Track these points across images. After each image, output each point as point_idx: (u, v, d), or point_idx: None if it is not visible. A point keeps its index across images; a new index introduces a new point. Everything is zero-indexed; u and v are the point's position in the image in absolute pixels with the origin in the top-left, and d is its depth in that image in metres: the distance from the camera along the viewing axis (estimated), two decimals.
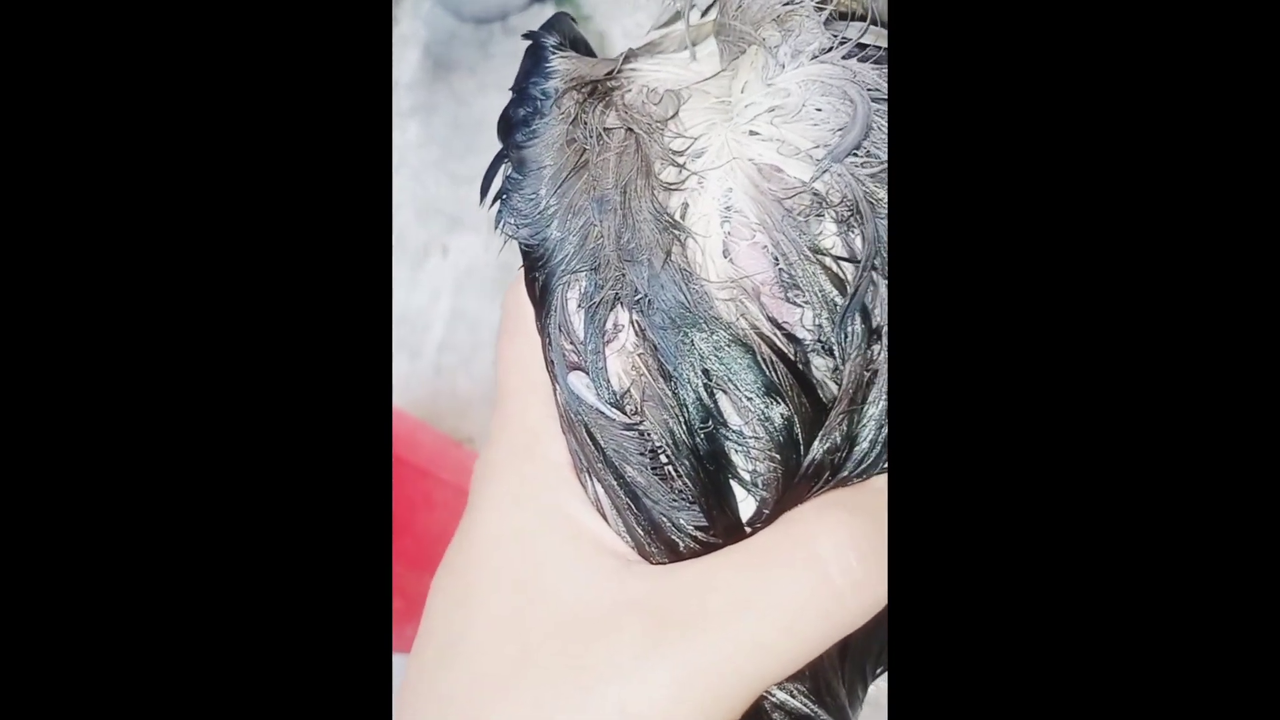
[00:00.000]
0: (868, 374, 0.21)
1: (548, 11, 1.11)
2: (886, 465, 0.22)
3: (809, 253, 0.21)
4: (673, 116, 0.23)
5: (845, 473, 0.22)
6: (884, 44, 0.22)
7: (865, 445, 0.21)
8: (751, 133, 0.22)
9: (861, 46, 0.22)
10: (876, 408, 0.21)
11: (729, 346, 0.21)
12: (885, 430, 0.21)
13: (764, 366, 0.21)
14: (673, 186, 0.22)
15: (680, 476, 0.22)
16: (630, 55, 0.24)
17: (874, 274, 0.21)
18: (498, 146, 0.25)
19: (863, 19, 0.22)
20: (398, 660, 0.24)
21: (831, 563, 0.20)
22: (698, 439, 0.21)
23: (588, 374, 0.22)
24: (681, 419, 0.21)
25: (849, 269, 0.21)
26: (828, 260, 0.21)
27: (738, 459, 0.22)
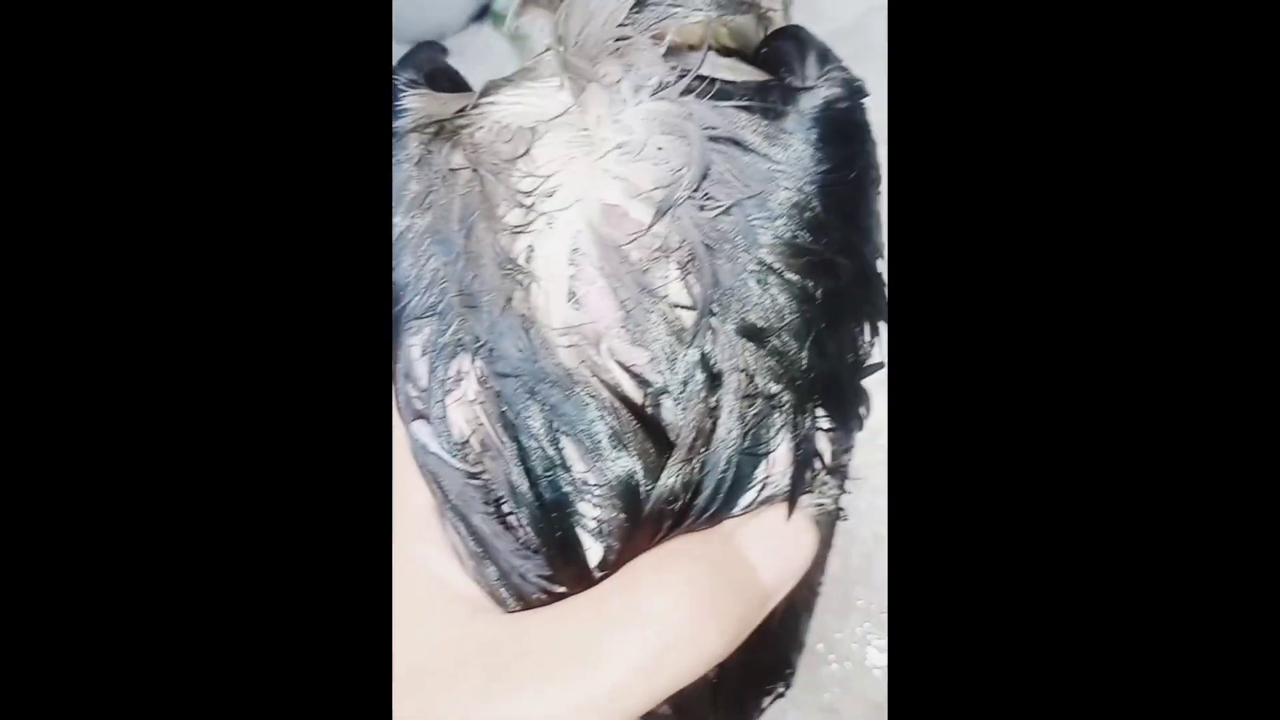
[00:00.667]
0: (709, 421, 0.21)
1: (485, 31, 1.06)
2: (738, 510, 0.22)
3: (648, 299, 0.20)
4: (523, 155, 0.22)
5: (690, 519, 0.21)
6: (725, 76, 0.21)
7: (709, 491, 0.21)
8: (605, 170, 0.21)
9: (702, 79, 0.21)
10: (723, 454, 0.21)
11: (571, 394, 0.21)
12: (730, 479, 0.21)
13: (605, 414, 0.21)
14: (518, 229, 0.21)
15: (523, 525, 0.21)
16: (490, 88, 0.24)
17: (711, 320, 0.20)
18: None
19: (698, 49, 0.21)
20: None
21: (665, 617, 0.20)
22: (540, 487, 0.21)
23: (430, 422, 0.22)
24: (523, 468, 0.21)
25: (689, 316, 0.20)
26: (665, 306, 0.20)
27: (583, 506, 0.21)
